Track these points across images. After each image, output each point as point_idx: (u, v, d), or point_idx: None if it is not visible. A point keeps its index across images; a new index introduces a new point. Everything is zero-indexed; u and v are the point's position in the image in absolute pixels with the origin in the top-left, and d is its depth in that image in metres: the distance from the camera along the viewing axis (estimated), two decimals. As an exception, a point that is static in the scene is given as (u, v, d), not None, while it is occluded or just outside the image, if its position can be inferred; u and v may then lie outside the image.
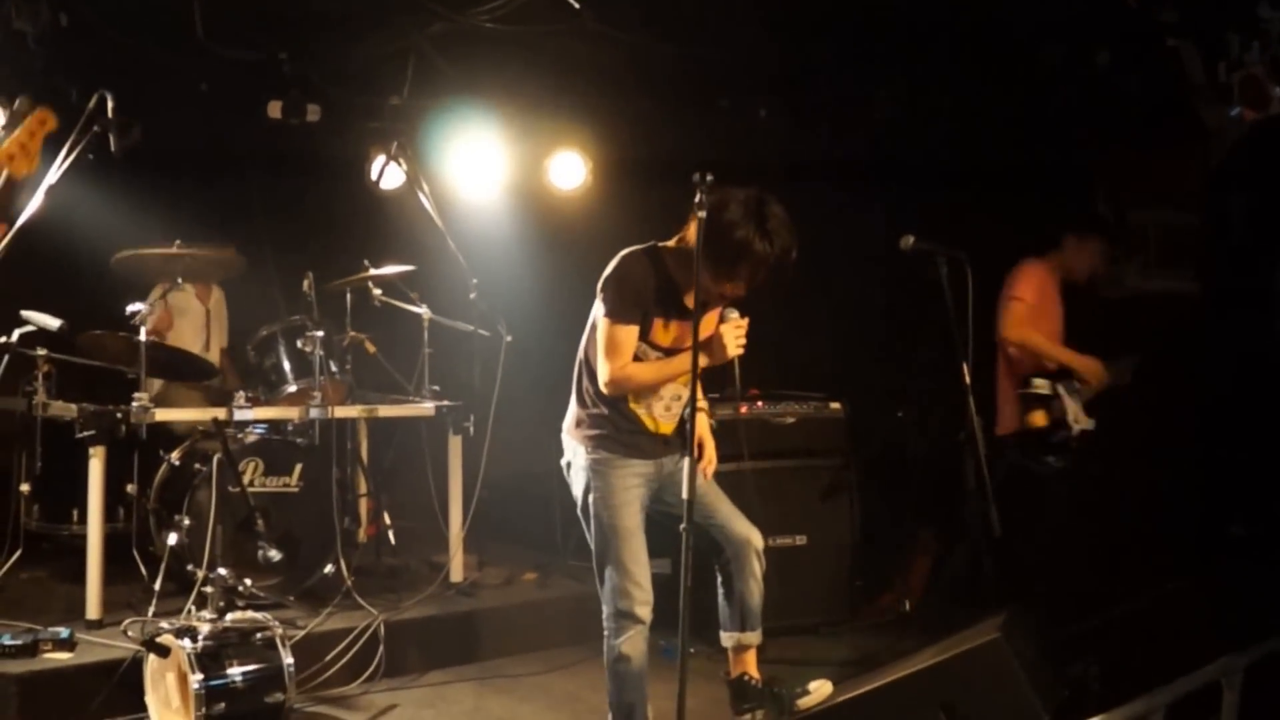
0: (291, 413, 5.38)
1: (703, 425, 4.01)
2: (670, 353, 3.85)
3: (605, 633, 3.89)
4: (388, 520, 6.17)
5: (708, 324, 3.78)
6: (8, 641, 4.41)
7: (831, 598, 5.73)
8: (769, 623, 4.20)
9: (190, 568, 4.94)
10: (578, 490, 3.97)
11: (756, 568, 4.04)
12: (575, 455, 3.97)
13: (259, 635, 4.21)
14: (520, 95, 6.56)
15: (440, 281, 6.02)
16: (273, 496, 5.19)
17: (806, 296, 5.15)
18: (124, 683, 4.35)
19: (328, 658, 4.80)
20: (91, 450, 4.83)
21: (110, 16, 5.33)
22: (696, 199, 3.49)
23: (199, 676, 3.93)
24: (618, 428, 3.88)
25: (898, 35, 5.74)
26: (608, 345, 3.76)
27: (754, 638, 4.13)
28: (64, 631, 4.53)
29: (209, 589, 4.26)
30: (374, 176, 6.66)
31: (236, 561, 4.70)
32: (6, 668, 4.30)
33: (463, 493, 5.71)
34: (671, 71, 6.24)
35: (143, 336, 5.03)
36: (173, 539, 4.94)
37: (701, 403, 3.89)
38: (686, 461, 3.58)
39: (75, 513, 5.28)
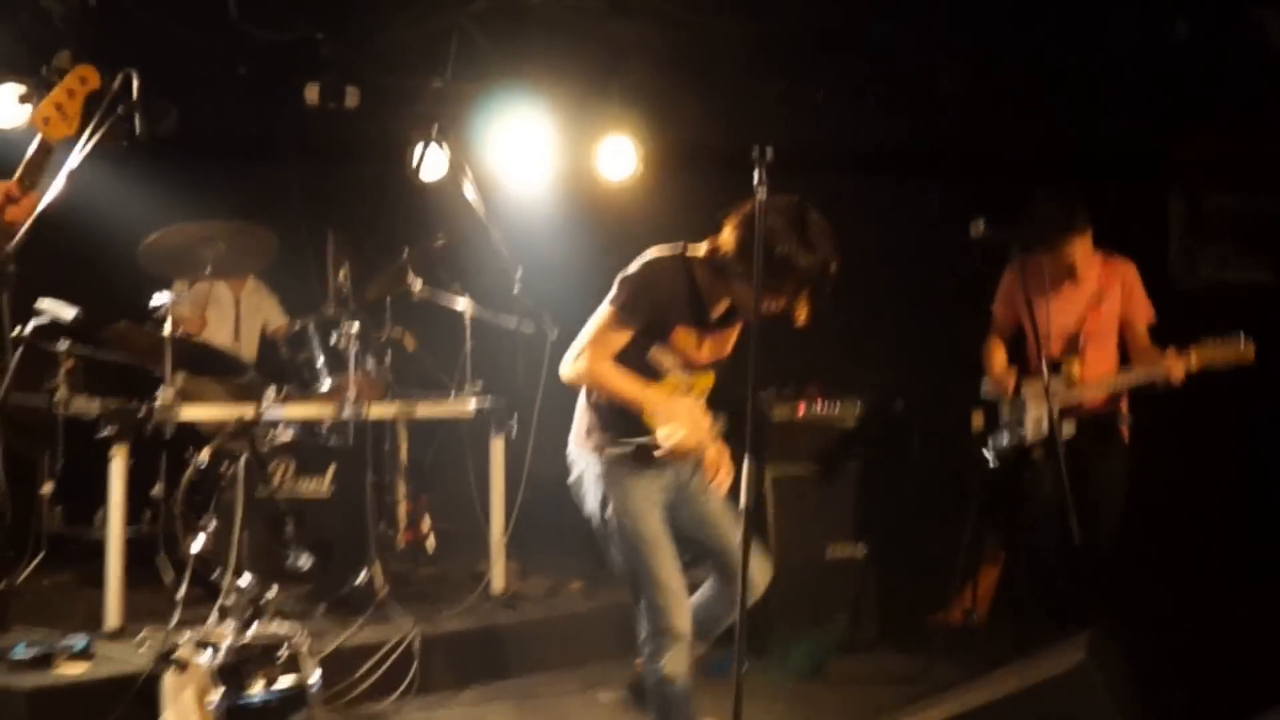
0: (324, 411, 5.13)
1: (713, 436, 3.68)
2: (702, 368, 3.67)
3: (644, 656, 3.60)
4: (428, 525, 5.93)
5: (729, 339, 3.72)
6: (20, 655, 4.18)
7: (895, 611, 5.56)
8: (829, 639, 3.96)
9: (216, 575, 4.68)
10: (592, 505, 3.68)
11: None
12: (586, 467, 3.68)
13: (284, 649, 3.95)
14: (568, 77, 6.28)
15: (483, 274, 5.78)
16: (304, 500, 4.96)
17: (866, 287, 4.84)
18: (141, 698, 4.07)
19: (359, 673, 4.56)
20: (112, 449, 4.60)
21: (140, -6, 5.15)
22: (755, 177, 3.20)
23: (218, 693, 3.71)
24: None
25: (960, 11, 5.49)
26: (598, 335, 3.54)
27: (699, 648, 3.81)
28: (81, 641, 4.31)
29: (232, 599, 4.02)
30: (414, 164, 6.41)
31: (264, 569, 4.42)
32: (18, 682, 4.06)
33: (505, 496, 5.45)
34: (728, 52, 5.97)
35: (167, 330, 4.80)
36: (197, 544, 4.69)
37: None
38: (745, 464, 3.25)
39: (99, 515, 5.09)
